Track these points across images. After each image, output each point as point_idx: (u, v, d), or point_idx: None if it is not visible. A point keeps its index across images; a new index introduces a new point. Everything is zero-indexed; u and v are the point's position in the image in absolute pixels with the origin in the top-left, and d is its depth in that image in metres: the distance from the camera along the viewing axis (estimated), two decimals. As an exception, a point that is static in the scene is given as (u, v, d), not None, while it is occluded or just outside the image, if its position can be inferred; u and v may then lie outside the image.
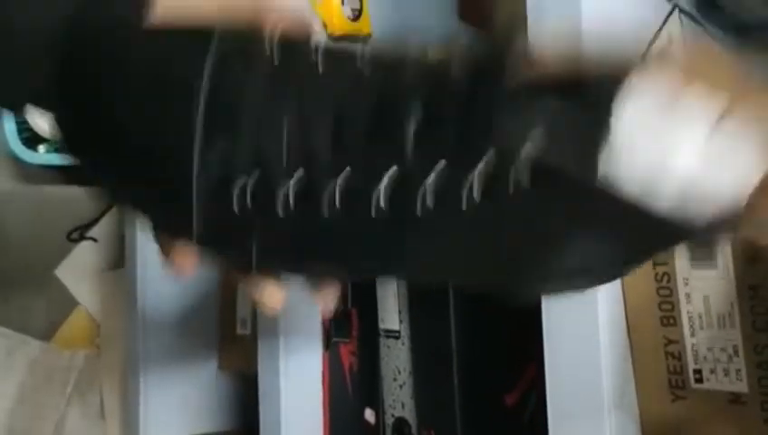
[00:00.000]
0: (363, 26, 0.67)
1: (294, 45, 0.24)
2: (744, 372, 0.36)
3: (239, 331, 0.83)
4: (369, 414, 0.57)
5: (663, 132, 0.20)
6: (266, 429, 0.62)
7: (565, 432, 0.39)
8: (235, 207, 0.22)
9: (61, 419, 0.97)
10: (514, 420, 0.53)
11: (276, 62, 0.23)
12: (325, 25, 0.66)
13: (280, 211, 0.22)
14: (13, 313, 0.99)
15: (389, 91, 0.22)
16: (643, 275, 0.38)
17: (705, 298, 0.36)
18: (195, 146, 0.22)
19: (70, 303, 1.04)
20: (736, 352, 0.36)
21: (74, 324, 1.04)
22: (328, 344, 0.62)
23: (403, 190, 0.21)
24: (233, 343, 0.85)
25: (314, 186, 0.22)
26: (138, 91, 0.24)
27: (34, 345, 0.99)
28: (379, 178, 0.21)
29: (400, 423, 0.55)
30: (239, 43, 0.24)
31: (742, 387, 0.36)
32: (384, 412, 0.56)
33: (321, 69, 0.23)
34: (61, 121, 0.26)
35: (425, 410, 0.53)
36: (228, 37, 0.24)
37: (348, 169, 0.21)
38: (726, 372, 0.36)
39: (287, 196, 0.22)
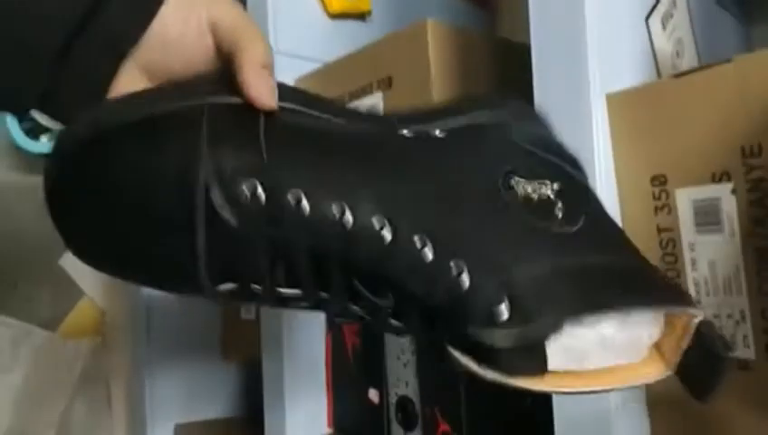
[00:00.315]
0: (362, 4, 0.66)
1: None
2: (750, 339, 0.35)
3: (244, 316, 0.83)
4: (374, 394, 0.57)
5: None
6: (271, 411, 0.61)
7: (569, 405, 0.39)
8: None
9: (67, 408, 0.97)
10: (519, 397, 0.53)
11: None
12: (324, 4, 0.65)
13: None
14: (18, 303, 0.99)
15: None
16: (648, 240, 0.38)
17: (711, 263, 0.36)
18: (200, 265, 0.25)
19: (75, 293, 1.04)
20: (743, 318, 0.35)
21: (80, 314, 1.04)
22: (331, 325, 0.61)
23: None
24: (237, 329, 0.84)
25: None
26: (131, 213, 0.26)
27: (40, 335, 0.99)
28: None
29: (404, 402, 0.54)
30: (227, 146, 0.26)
31: (749, 354, 0.35)
32: (388, 392, 0.56)
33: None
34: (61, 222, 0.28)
35: (429, 388, 0.52)
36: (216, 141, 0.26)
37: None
38: (734, 339, 0.35)
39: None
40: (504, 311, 0.24)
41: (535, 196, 0.27)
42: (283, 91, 0.28)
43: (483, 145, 0.29)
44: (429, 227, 0.25)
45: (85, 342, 1.01)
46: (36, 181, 1.04)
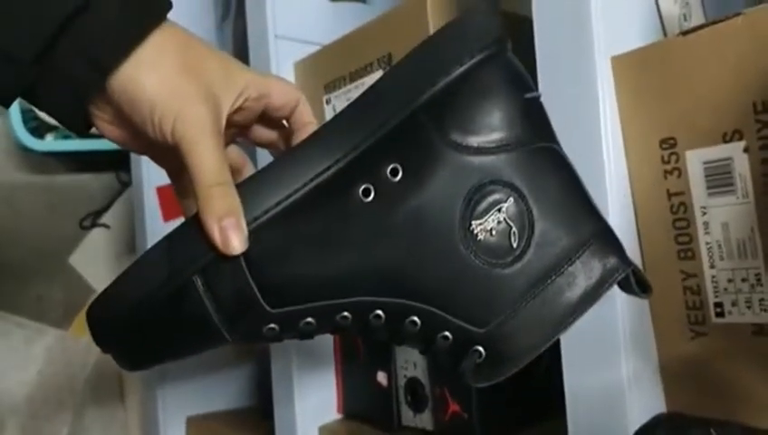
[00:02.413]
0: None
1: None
2: (767, 302, 0.34)
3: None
4: (382, 377, 0.56)
5: None
6: (280, 400, 0.61)
7: (580, 379, 0.38)
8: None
9: (80, 404, 0.98)
10: (530, 375, 0.52)
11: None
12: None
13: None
14: (29, 302, 1.00)
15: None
16: (658, 205, 0.37)
17: (725, 226, 0.34)
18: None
19: (85, 290, 1.04)
20: (759, 281, 0.34)
21: (91, 312, 1.04)
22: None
23: None
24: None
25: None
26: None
27: (52, 334, 1.00)
28: None
29: (413, 383, 0.53)
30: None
31: (766, 318, 0.34)
32: (396, 374, 0.55)
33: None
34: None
35: (437, 368, 0.51)
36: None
37: None
38: (749, 303, 0.34)
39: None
40: (478, 360, 0.30)
41: (493, 231, 0.29)
42: (250, 205, 0.28)
43: (431, 188, 0.29)
44: (413, 311, 0.29)
45: (97, 339, 1.01)
46: (43, 180, 1.04)
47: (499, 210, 0.29)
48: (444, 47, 0.30)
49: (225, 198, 0.27)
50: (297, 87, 0.34)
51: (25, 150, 0.95)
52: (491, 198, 0.29)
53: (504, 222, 0.29)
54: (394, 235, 0.29)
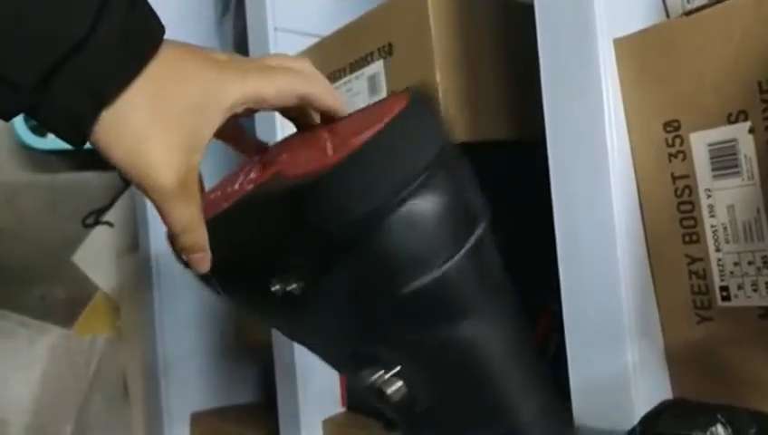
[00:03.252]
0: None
1: None
2: (774, 286, 0.33)
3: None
4: None
5: None
6: (283, 394, 0.61)
7: (585, 365, 0.37)
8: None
9: (85, 402, 0.98)
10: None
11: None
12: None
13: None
14: (33, 301, 1.00)
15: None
16: (662, 189, 0.36)
17: (730, 208, 0.34)
18: None
19: (89, 289, 1.04)
20: (765, 264, 0.33)
21: (94, 309, 1.04)
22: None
23: None
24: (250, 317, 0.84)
25: None
26: None
27: (56, 332, 1.00)
28: None
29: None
30: None
31: (773, 301, 0.33)
32: (400, 366, 0.55)
33: None
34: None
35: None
36: None
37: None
38: (755, 287, 0.34)
39: None
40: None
41: (385, 383, 0.27)
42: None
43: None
44: None
45: (101, 336, 1.01)
46: (45, 178, 1.04)
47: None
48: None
49: (192, 237, 0.30)
50: (307, 80, 0.33)
51: (27, 149, 0.95)
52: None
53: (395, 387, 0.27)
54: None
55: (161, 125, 0.28)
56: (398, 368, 0.27)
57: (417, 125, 0.26)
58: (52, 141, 0.95)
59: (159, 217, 0.30)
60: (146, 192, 0.29)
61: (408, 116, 0.26)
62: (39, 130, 0.94)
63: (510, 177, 0.52)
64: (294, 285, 0.28)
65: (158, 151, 0.28)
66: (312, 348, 0.32)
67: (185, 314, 0.86)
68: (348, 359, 0.28)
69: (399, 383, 0.26)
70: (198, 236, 0.31)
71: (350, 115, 0.33)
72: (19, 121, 0.92)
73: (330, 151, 0.27)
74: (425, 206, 0.25)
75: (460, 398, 0.27)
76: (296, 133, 0.36)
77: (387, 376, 0.26)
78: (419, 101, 0.27)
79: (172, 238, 0.31)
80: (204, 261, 0.31)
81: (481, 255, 0.27)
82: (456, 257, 0.25)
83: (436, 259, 0.25)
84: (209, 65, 0.30)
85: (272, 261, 0.29)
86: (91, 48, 0.26)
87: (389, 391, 0.26)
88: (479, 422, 0.27)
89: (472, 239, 0.26)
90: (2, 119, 0.28)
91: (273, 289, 0.28)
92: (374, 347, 0.27)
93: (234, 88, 0.30)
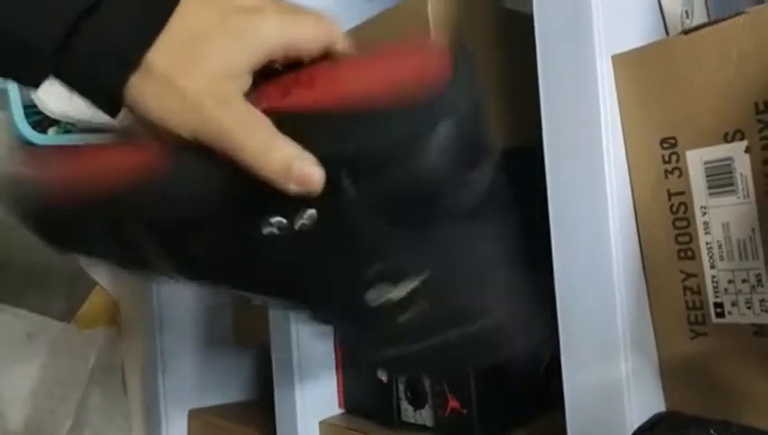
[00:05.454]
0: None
1: None
2: (768, 303, 0.33)
3: (255, 301, 0.82)
4: (382, 373, 0.56)
5: None
6: (281, 394, 0.61)
7: (579, 377, 0.38)
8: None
9: (83, 397, 0.98)
10: (529, 371, 0.52)
11: None
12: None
13: None
14: (32, 296, 1.00)
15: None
16: (658, 205, 0.36)
17: (725, 226, 0.34)
18: None
19: (88, 283, 1.04)
20: (759, 282, 0.33)
21: (94, 305, 1.05)
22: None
23: None
24: (249, 314, 0.84)
25: None
26: None
27: (55, 327, 1.00)
28: None
29: (413, 380, 0.53)
30: None
31: (767, 318, 0.34)
32: (397, 370, 0.55)
33: None
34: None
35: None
36: None
37: None
38: (749, 304, 0.34)
39: None
40: None
41: (395, 298, 0.28)
42: None
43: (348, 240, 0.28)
44: None
45: (100, 331, 1.01)
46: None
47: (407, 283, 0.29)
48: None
49: (281, 153, 0.27)
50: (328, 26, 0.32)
51: (28, 144, 0.95)
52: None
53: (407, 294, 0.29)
54: None
55: (190, 63, 0.27)
56: (424, 275, 0.28)
57: (464, 77, 0.28)
58: (52, 137, 0.95)
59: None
60: (203, 139, 0.26)
61: (458, 70, 0.28)
62: (39, 127, 0.94)
63: (508, 184, 0.52)
64: (306, 216, 0.27)
65: (193, 86, 0.26)
66: (293, 294, 0.31)
67: (184, 310, 0.86)
68: (352, 287, 0.29)
69: (408, 288, 0.28)
70: (286, 149, 0.27)
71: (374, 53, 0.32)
72: (19, 117, 0.92)
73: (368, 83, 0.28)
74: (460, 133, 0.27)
75: (453, 296, 0.30)
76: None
77: (405, 288, 0.28)
78: (462, 59, 0.29)
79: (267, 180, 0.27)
80: (314, 173, 0.27)
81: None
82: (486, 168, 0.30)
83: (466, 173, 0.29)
84: (237, 8, 0.28)
85: (267, 200, 0.28)
86: (108, 5, 0.26)
87: (399, 294, 0.28)
88: (458, 321, 0.30)
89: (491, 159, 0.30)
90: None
91: (266, 231, 0.27)
92: (398, 260, 0.28)
93: (265, 32, 0.28)
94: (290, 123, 0.27)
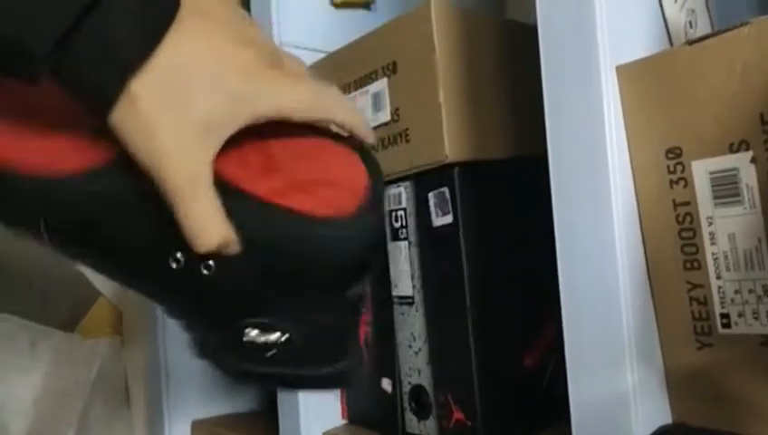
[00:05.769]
0: (366, -9, 0.66)
1: None
2: (774, 314, 0.33)
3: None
4: (386, 383, 0.56)
5: None
6: (284, 404, 0.61)
7: (585, 387, 0.38)
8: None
9: (86, 407, 0.98)
10: (533, 381, 0.52)
11: None
12: (329, -7, 0.65)
13: None
14: (35, 305, 1.00)
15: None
16: (663, 215, 0.36)
17: (731, 236, 0.34)
18: None
19: (92, 293, 1.04)
20: (766, 293, 0.33)
21: (97, 314, 1.05)
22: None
23: None
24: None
25: None
26: None
27: (57, 336, 1.00)
28: None
29: (418, 391, 0.53)
30: None
31: (773, 329, 0.33)
32: (401, 381, 0.55)
33: None
34: None
35: (441, 374, 0.51)
36: None
37: None
38: (756, 315, 0.34)
39: None
40: None
41: (265, 341, 0.33)
42: None
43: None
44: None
45: (103, 341, 1.01)
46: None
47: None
48: None
49: (211, 237, 0.29)
50: (333, 102, 0.33)
51: None
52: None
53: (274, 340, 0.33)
54: None
55: (176, 106, 0.27)
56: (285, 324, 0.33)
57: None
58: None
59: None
60: (160, 183, 0.27)
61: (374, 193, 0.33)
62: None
63: (512, 195, 0.53)
64: (208, 263, 0.31)
65: (170, 136, 0.27)
66: (188, 321, 0.35)
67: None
68: (232, 328, 0.33)
69: (278, 334, 0.33)
70: (219, 231, 0.29)
71: (298, 144, 0.34)
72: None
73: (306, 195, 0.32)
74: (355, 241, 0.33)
75: (311, 350, 0.35)
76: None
77: (273, 335, 0.33)
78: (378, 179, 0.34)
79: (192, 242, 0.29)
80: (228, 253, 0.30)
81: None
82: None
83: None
84: (242, 68, 0.28)
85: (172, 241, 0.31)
86: (106, 8, 0.25)
87: (269, 339, 0.33)
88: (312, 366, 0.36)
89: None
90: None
91: (173, 266, 0.31)
92: (269, 316, 0.33)
93: (265, 103, 0.29)
94: (231, 198, 0.30)
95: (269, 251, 0.31)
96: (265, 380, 0.37)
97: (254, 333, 0.32)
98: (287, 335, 0.33)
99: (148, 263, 0.31)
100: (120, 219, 0.30)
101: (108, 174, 0.30)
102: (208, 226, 0.29)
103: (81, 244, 0.32)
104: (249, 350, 0.32)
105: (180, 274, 0.31)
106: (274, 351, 0.33)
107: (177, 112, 0.27)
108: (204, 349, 0.34)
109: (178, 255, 0.30)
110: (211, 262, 0.31)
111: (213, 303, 0.33)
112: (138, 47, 0.26)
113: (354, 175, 0.33)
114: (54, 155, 0.30)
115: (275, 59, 0.31)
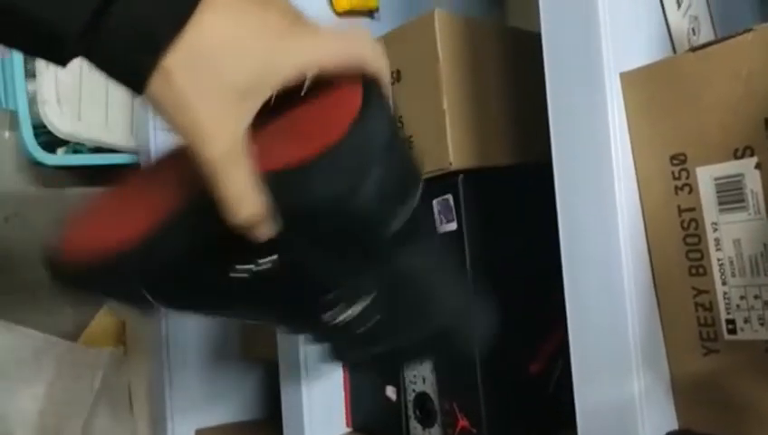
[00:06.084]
0: (370, 0, 0.66)
1: None
2: (781, 320, 0.33)
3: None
4: (391, 391, 0.56)
5: None
6: (289, 412, 0.61)
7: (591, 394, 0.38)
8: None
9: (90, 416, 0.98)
10: (539, 388, 0.51)
11: None
12: (332, 1, 0.65)
13: None
14: (39, 315, 1.00)
15: None
16: (668, 221, 0.36)
17: (736, 242, 0.34)
18: None
19: (95, 303, 1.04)
20: (772, 298, 0.33)
21: (100, 324, 1.05)
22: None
23: None
24: (256, 332, 0.84)
25: None
26: None
27: (62, 345, 1.00)
28: None
29: (422, 398, 0.53)
30: None
31: (779, 335, 0.33)
32: (405, 388, 0.55)
33: None
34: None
35: (446, 383, 0.51)
36: None
37: None
38: (762, 321, 0.34)
39: None
40: None
41: (352, 315, 0.34)
42: None
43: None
44: None
45: (106, 351, 1.01)
46: (54, 193, 1.04)
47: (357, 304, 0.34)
48: None
49: (248, 208, 0.29)
50: (360, 46, 0.33)
51: (37, 164, 0.96)
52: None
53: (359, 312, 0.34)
54: None
55: (208, 77, 0.27)
56: (373, 294, 0.34)
57: (376, 120, 0.32)
58: (61, 157, 0.96)
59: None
60: (196, 154, 0.28)
61: (368, 114, 0.31)
62: (49, 147, 0.95)
63: (517, 202, 0.53)
64: (268, 261, 0.32)
65: (205, 106, 0.27)
66: (265, 318, 0.37)
67: (190, 329, 0.86)
68: (310, 311, 0.34)
69: (360, 303, 0.33)
70: (255, 200, 0.29)
71: (300, 99, 0.33)
72: (29, 137, 0.93)
73: (300, 146, 0.31)
74: (387, 175, 0.32)
75: (401, 306, 0.35)
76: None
77: (359, 306, 0.33)
78: (373, 96, 0.32)
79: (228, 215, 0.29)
80: (267, 230, 0.30)
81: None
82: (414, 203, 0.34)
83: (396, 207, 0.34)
84: (268, 30, 0.28)
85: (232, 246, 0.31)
86: None
87: (355, 311, 0.33)
88: (412, 326, 0.36)
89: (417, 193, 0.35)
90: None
91: (233, 275, 0.32)
92: (348, 286, 0.34)
93: (290, 58, 0.29)
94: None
95: (299, 217, 0.30)
96: (382, 361, 0.38)
97: (337, 309, 0.32)
98: (372, 296, 0.32)
99: (222, 286, 0.33)
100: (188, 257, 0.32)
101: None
102: (245, 194, 0.29)
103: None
104: (342, 333, 0.33)
105: (251, 280, 0.32)
106: (367, 323, 0.32)
107: (210, 82, 0.27)
108: (331, 352, 0.35)
109: (240, 266, 0.32)
110: (271, 257, 0.31)
111: (292, 295, 0.33)
112: (168, 23, 0.27)
113: (348, 103, 0.31)
114: None
115: (294, 14, 0.31)
